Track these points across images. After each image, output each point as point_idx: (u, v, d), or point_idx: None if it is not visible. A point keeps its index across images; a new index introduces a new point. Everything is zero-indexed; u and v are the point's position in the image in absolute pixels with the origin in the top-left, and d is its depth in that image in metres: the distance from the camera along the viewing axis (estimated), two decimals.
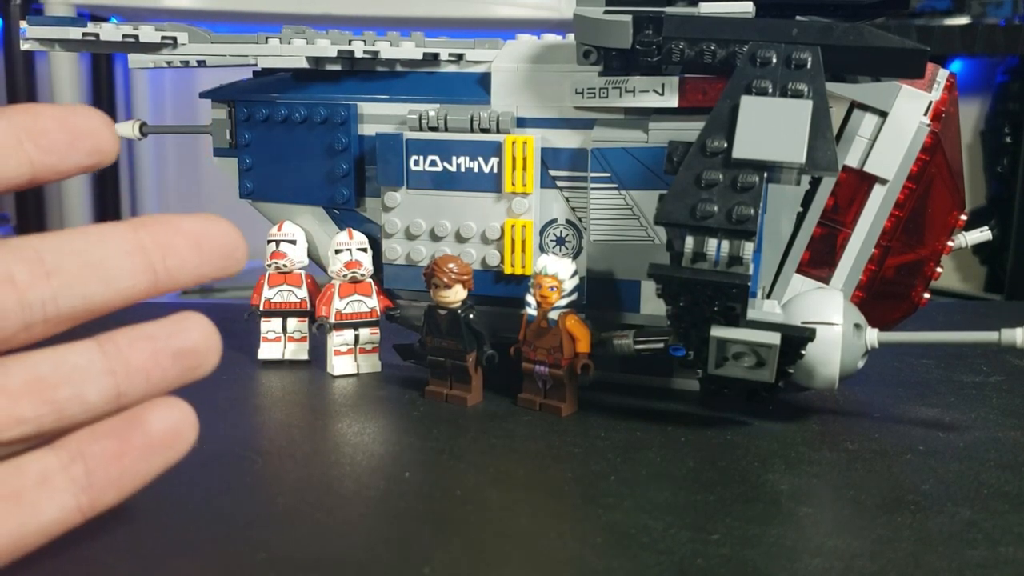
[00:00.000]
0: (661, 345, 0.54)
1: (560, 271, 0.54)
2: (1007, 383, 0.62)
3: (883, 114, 0.55)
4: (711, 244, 0.46)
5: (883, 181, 0.56)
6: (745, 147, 0.46)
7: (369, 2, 1.52)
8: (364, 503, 0.44)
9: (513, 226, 0.58)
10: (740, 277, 0.46)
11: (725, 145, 0.46)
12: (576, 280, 0.54)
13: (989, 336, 0.51)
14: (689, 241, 0.47)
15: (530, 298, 0.54)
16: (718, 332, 0.48)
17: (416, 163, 0.59)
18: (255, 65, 0.62)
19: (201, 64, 0.62)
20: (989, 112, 2.00)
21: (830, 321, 0.52)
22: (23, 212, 1.75)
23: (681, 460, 0.50)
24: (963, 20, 1.84)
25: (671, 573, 0.38)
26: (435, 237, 0.60)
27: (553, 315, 0.54)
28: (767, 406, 0.54)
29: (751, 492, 0.45)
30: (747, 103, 0.46)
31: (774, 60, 0.47)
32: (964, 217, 0.58)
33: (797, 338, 0.48)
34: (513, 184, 0.58)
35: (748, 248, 0.46)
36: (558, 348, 0.54)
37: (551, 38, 0.59)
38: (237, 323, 0.74)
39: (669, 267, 0.47)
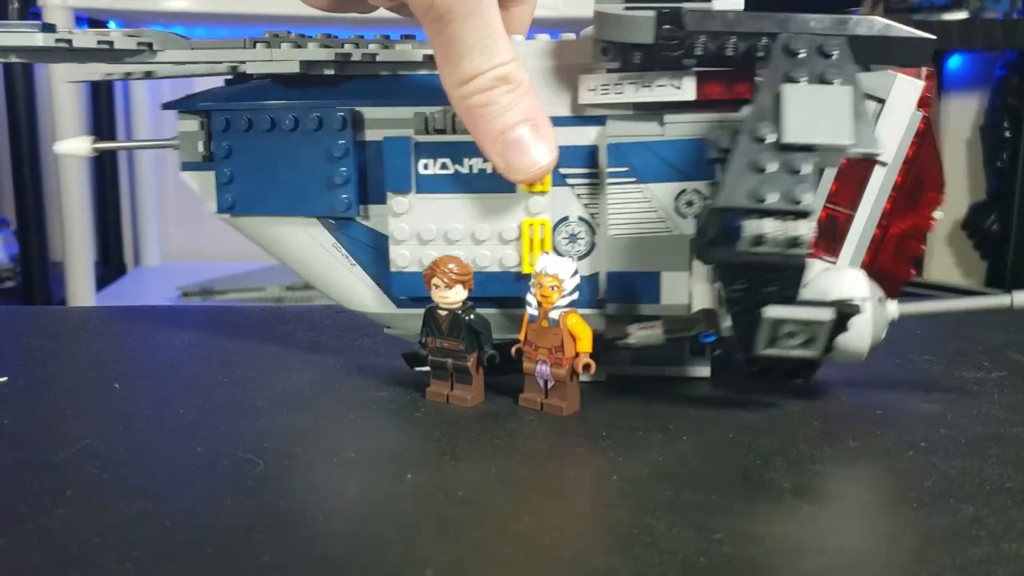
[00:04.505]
0: (692, 333, 0.56)
1: (560, 271, 0.53)
2: (1009, 379, 0.62)
3: (881, 101, 0.56)
4: (771, 226, 0.48)
5: (883, 164, 0.57)
6: (795, 132, 0.48)
7: None
8: (366, 505, 0.44)
9: (531, 226, 0.58)
10: (799, 258, 0.48)
11: (775, 131, 0.48)
12: (577, 279, 0.54)
13: (1001, 300, 0.55)
14: (750, 225, 0.48)
15: (531, 298, 0.54)
16: (773, 312, 0.49)
17: (426, 167, 0.58)
18: (226, 73, 0.59)
19: (148, 76, 0.58)
20: (988, 107, 2.00)
21: (862, 296, 0.53)
22: (23, 215, 1.75)
23: (683, 459, 0.50)
24: (961, 15, 1.84)
25: (674, 572, 0.38)
26: (448, 240, 0.59)
27: (554, 315, 0.54)
28: (805, 383, 0.57)
29: (753, 491, 0.45)
30: (790, 91, 0.48)
31: (807, 50, 0.49)
32: (943, 197, 0.61)
33: (846, 313, 0.50)
34: (529, 184, 0.57)
35: (806, 229, 0.48)
36: (559, 348, 0.54)
37: (565, 36, 0.59)
38: (237, 326, 0.74)
39: (731, 252, 0.49)
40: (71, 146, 0.61)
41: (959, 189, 2.11)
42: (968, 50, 1.97)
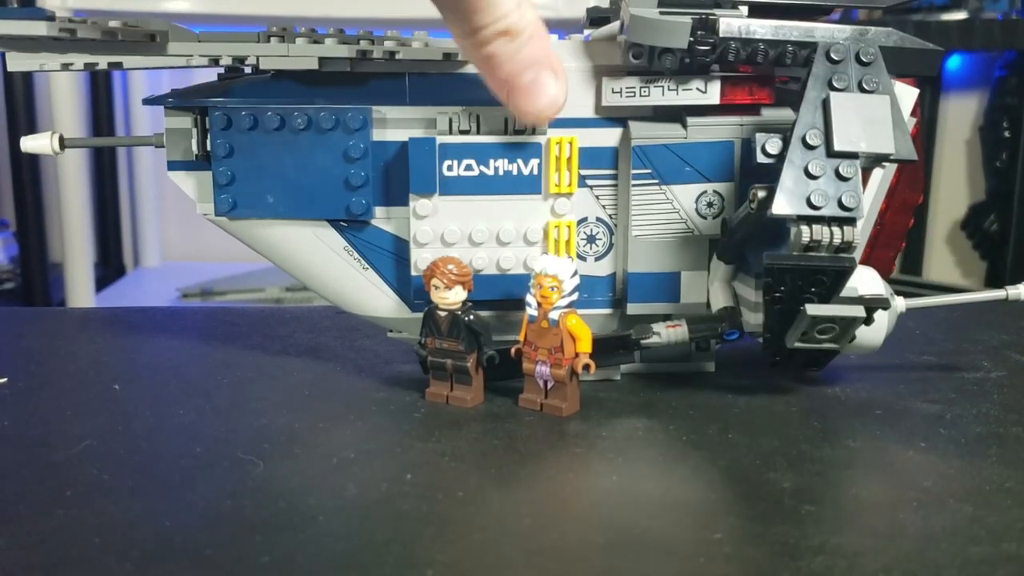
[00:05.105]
0: (717, 330, 0.58)
1: (560, 271, 0.54)
2: (1008, 379, 0.62)
3: None
4: (824, 232, 0.50)
5: (882, 166, 0.58)
6: (843, 140, 0.50)
7: (368, 3, 1.52)
8: (366, 505, 0.44)
9: (556, 227, 0.58)
10: (850, 260, 0.50)
11: (823, 138, 0.50)
12: (576, 280, 0.54)
13: (997, 293, 0.60)
14: (805, 230, 0.50)
15: (530, 298, 0.54)
16: (813, 310, 0.51)
17: (450, 168, 0.57)
18: (213, 66, 0.56)
19: (115, 67, 0.54)
20: (987, 107, 2.00)
21: (879, 293, 0.55)
22: (22, 216, 1.75)
23: (683, 459, 0.50)
24: (961, 15, 1.84)
25: (674, 572, 0.38)
26: (473, 243, 0.58)
27: (554, 315, 0.54)
28: (818, 371, 0.60)
29: (753, 491, 0.45)
30: (836, 99, 0.51)
31: (845, 56, 0.52)
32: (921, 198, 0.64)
33: (873, 308, 0.53)
34: (557, 185, 0.57)
35: (855, 233, 0.50)
36: (559, 348, 0.54)
37: (577, 38, 0.60)
38: (237, 327, 0.74)
39: (787, 256, 0.51)
40: (37, 143, 0.58)
41: (958, 189, 2.11)
42: (967, 50, 1.97)
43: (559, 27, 0.64)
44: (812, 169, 0.50)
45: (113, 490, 0.45)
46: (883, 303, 0.53)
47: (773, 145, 0.51)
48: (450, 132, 0.57)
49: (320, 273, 0.61)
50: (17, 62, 0.54)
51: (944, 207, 2.12)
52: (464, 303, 0.56)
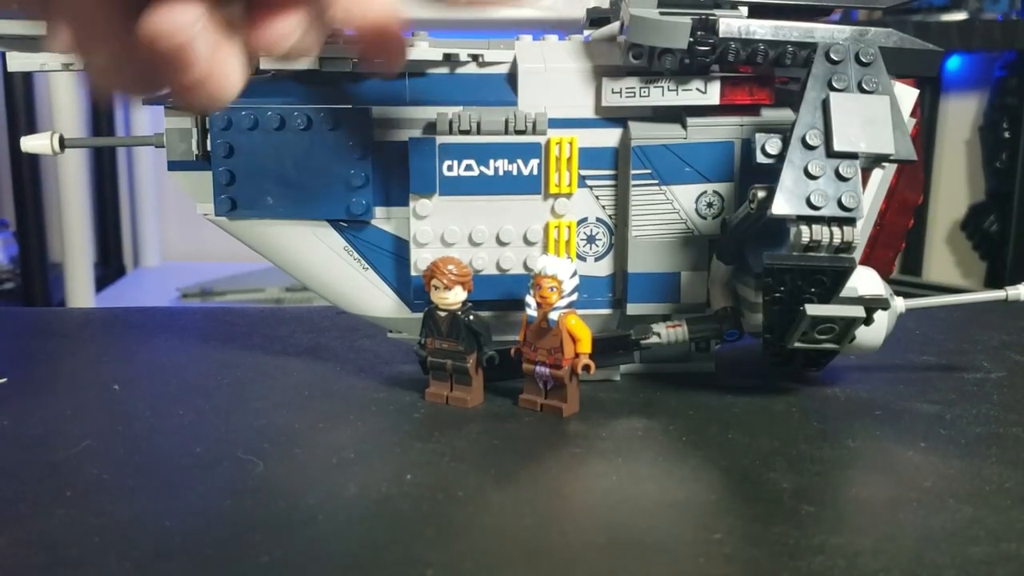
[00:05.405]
0: (717, 330, 0.58)
1: (559, 271, 0.54)
2: (1008, 379, 0.62)
3: None
4: (824, 232, 0.50)
5: (882, 167, 0.58)
6: (843, 140, 0.50)
7: None
8: (366, 505, 0.44)
9: (556, 228, 0.58)
10: (850, 261, 0.50)
11: (823, 138, 0.50)
12: (576, 280, 0.54)
13: (996, 294, 0.60)
14: (805, 231, 0.50)
15: (530, 299, 0.55)
16: (814, 310, 0.51)
17: (450, 168, 0.57)
18: None
19: None
20: (987, 107, 2.00)
21: (879, 294, 0.56)
22: (22, 216, 1.75)
23: (683, 459, 0.50)
24: (960, 16, 1.84)
25: (674, 572, 0.38)
26: (473, 243, 0.58)
27: (553, 315, 0.54)
28: (818, 371, 0.60)
29: (753, 491, 0.45)
30: (836, 99, 0.51)
31: (845, 57, 0.52)
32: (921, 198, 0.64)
33: (873, 309, 0.53)
34: (557, 185, 0.57)
35: (855, 233, 0.50)
36: (559, 348, 0.54)
37: (577, 38, 0.59)
38: (237, 327, 0.74)
39: (787, 257, 0.51)
40: (37, 143, 0.58)
41: (958, 189, 2.11)
42: (967, 51, 1.97)
43: (559, 27, 0.64)
44: (812, 169, 0.50)
45: (113, 490, 0.45)
46: (883, 303, 0.53)
47: (773, 145, 0.51)
48: (450, 132, 0.57)
49: (320, 273, 0.61)
50: (17, 62, 0.55)
51: (944, 207, 2.12)
52: (464, 303, 0.56)
